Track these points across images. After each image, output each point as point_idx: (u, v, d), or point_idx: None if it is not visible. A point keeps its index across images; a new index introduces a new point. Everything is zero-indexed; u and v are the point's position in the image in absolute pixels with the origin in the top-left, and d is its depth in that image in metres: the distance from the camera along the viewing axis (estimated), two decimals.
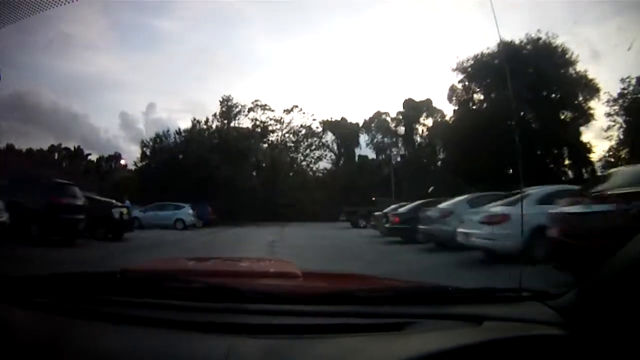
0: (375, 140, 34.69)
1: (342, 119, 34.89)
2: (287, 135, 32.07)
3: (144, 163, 27.41)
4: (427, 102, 32.30)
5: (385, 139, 34.48)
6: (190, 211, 17.29)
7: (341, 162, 35.04)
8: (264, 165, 29.75)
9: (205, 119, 28.79)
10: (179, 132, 28.06)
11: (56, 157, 34.18)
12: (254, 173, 29.19)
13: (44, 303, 0.88)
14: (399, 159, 34.37)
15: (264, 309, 0.84)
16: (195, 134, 27.84)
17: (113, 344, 0.74)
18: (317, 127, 33.86)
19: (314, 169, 33.42)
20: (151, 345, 0.73)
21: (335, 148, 35.03)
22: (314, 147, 33.02)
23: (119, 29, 37.21)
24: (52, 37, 33.89)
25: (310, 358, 0.72)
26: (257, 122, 30.25)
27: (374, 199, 20.75)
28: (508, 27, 21.58)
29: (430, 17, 43.93)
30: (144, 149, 27.43)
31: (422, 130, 33.41)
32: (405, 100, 32.86)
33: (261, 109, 30.63)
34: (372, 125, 34.81)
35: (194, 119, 28.72)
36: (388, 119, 34.51)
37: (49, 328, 0.79)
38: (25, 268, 3.75)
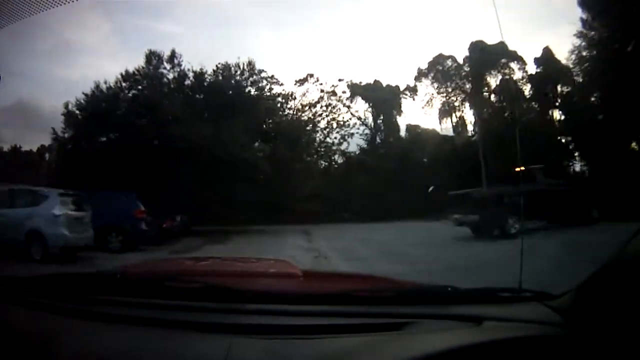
0: (435, 98, 34.29)
1: (376, 81, 34.40)
2: (301, 110, 31.85)
3: (67, 134, 23.06)
4: (502, 46, 31.40)
5: (456, 96, 33.71)
6: (58, 210, 10.25)
7: (379, 137, 35.08)
8: (268, 130, 26.93)
9: (171, 52, 24.22)
10: (126, 77, 23.34)
11: (47, 157, 37.48)
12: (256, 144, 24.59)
13: (44, 303, 1.27)
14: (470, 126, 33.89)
15: (263, 309, 1.20)
16: (149, 73, 23.64)
17: (113, 343, 1.08)
18: (343, 92, 33.91)
19: (342, 148, 33.37)
20: (151, 345, 1.07)
21: (371, 120, 35.06)
22: (336, 125, 32.97)
23: (121, 33, 40.99)
24: (54, 43, 39.93)
25: (310, 358, 1.03)
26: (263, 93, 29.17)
27: (533, 167, 15.31)
28: None
29: None
30: (69, 108, 22.74)
31: (496, 84, 32.66)
32: (472, 43, 32.05)
33: (267, 82, 30.12)
34: (430, 76, 34.46)
35: (149, 51, 24.05)
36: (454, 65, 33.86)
37: (48, 328, 1.15)
38: None
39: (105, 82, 23.17)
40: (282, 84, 29.39)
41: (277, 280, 1.73)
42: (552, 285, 1.39)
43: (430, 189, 18.53)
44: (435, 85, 34.27)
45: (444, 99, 34.17)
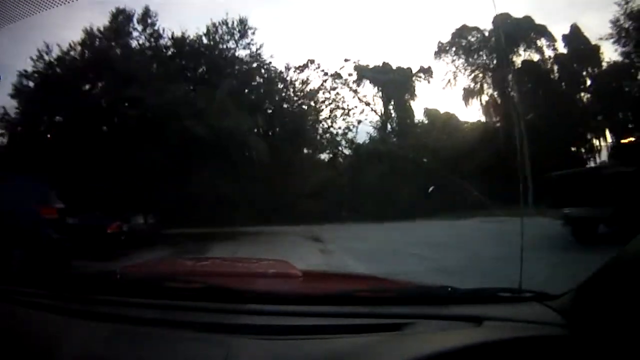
0: (459, 76, 34.10)
1: (385, 64, 34.83)
2: (301, 97, 31.45)
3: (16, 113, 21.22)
4: (528, 20, 31.35)
5: (483, 73, 33.42)
6: None
7: (390, 123, 35.19)
8: (266, 108, 25.26)
9: (144, 9, 22.53)
10: (84, 38, 21.08)
11: None
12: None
13: (44, 303, 1.43)
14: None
15: (263, 309, 1.36)
16: (114, 31, 21.74)
17: (113, 344, 1.21)
18: (349, 75, 33.81)
19: (350, 137, 33.34)
20: (151, 345, 1.21)
21: (381, 107, 35.17)
22: (341, 113, 32.90)
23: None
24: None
25: (310, 358, 1.16)
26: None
27: None
28: None
29: None
30: (22, 80, 20.83)
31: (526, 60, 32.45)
32: (497, 16, 31.95)
33: (263, 69, 28.97)
34: (452, 51, 34.33)
35: (116, 9, 22.39)
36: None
37: (48, 328, 1.30)
38: None
39: (71, 48, 21.14)
40: (280, 72, 28.91)
41: (277, 281, 1.91)
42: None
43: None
44: (459, 61, 34.43)
45: (469, 77, 34.29)
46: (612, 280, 1.22)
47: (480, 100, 34.52)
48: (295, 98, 30.48)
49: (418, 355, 1.13)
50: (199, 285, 1.49)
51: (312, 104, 31.44)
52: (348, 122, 32.99)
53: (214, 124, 17.05)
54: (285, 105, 28.83)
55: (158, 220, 14.91)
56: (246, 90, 23.11)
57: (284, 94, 29.22)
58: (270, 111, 25.88)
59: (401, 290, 1.69)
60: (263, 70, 25.59)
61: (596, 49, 28.90)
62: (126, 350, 1.19)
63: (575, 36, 29.78)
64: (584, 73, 30.18)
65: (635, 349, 1.10)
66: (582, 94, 30.46)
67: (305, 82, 31.18)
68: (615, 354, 1.14)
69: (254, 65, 24.80)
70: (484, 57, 33.98)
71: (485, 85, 34.19)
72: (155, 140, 16.02)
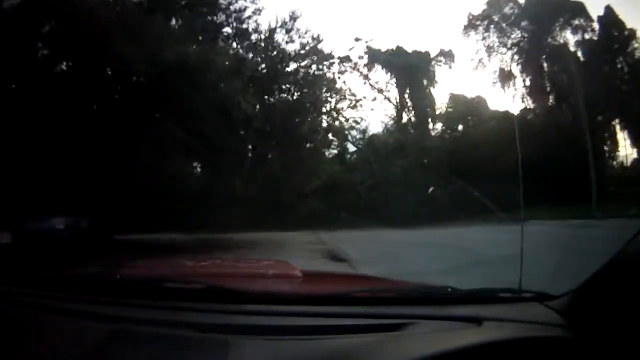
0: (493, 54, 33.86)
1: (399, 47, 34.81)
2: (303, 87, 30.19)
3: None
4: None
5: (520, 51, 33.14)
6: None
7: (407, 113, 35.22)
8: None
9: None
10: None
11: None
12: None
13: (43, 303, 1.59)
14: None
15: (263, 310, 1.51)
16: None
17: (113, 344, 1.34)
18: (360, 58, 33.62)
19: (361, 128, 33.08)
20: (151, 346, 1.34)
21: (396, 95, 35.16)
22: (350, 102, 32.55)
23: None
24: None
25: (309, 359, 1.29)
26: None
27: None
28: None
29: None
30: None
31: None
32: None
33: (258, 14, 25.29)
34: (483, 26, 34.23)
35: None
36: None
37: (47, 328, 1.44)
38: None
39: None
40: (284, 23, 27.26)
41: (276, 281, 2.10)
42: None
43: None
44: (490, 39, 34.26)
45: (507, 54, 33.94)
46: (612, 281, 1.37)
47: (525, 83, 34.12)
48: (298, 63, 28.74)
49: (418, 356, 1.25)
50: (199, 286, 1.67)
51: (317, 92, 30.67)
52: (358, 109, 32.50)
53: (170, 57, 12.41)
54: (286, 69, 27.07)
55: (96, 224, 11.95)
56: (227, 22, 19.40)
57: (287, 47, 27.29)
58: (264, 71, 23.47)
59: (401, 291, 1.87)
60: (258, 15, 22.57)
61: (632, 33, 28.84)
62: (126, 351, 1.32)
63: (610, 19, 29.72)
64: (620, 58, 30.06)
65: (636, 349, 1.24)
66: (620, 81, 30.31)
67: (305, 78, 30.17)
68: (615, 355, 1.28)
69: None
70: (521, 34, 33.63)
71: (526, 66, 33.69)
72: (80, 90, 11.87)
